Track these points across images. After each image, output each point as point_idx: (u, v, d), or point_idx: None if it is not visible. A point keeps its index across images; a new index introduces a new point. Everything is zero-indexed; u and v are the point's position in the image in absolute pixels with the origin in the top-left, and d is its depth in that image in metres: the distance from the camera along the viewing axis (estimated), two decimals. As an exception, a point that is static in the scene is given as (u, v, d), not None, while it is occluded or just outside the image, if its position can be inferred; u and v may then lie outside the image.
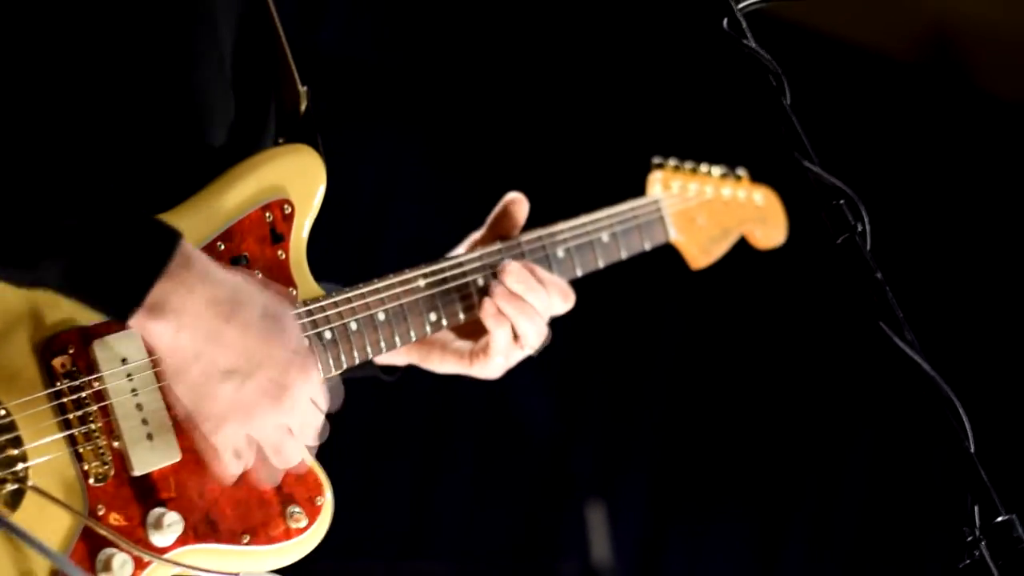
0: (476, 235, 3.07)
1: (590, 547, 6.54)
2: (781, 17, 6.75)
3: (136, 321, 2.23)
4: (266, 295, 2.36)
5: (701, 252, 3.27)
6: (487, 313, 2.84)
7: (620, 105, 7.38)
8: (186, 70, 2.49)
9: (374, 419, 6.77)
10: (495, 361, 2.92)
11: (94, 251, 2.21)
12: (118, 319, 2.23)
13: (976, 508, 2.21)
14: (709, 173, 3.30)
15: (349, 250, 6.47)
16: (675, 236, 3.19)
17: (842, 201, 2.38)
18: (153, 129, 2.46)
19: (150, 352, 2.34)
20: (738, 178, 3.36)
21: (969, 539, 2.22)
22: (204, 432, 2.33)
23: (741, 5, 2.45)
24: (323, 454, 6.78)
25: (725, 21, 2.44)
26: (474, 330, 2.93)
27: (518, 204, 3.02)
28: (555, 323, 3.18)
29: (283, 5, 6.17)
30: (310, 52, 6.58)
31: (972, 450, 2.24)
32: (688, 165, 3.28)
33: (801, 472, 7.74)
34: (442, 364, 2.98)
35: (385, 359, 3.00)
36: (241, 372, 2.28)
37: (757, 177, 3.46)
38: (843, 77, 7.40)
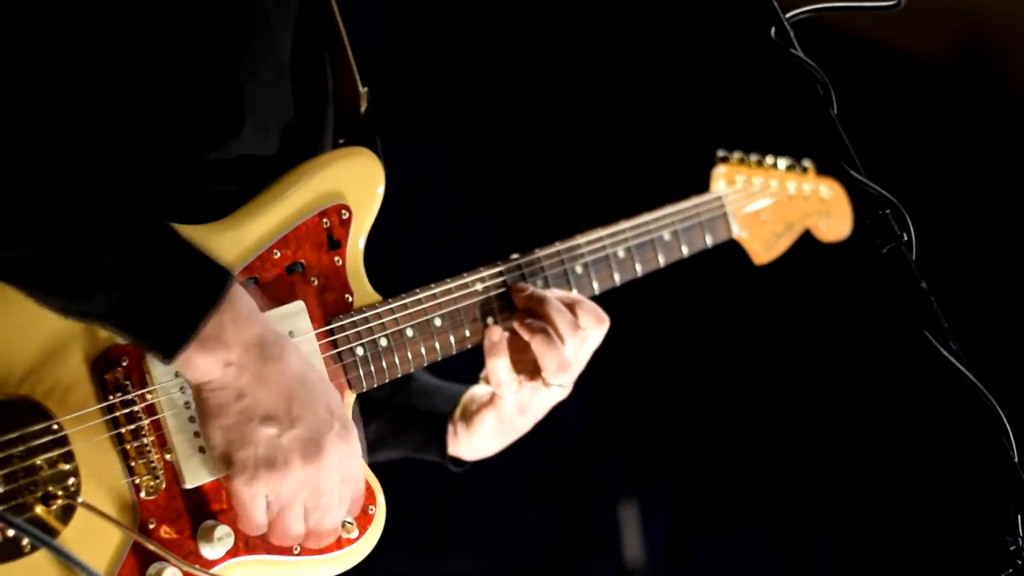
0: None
1: (623, 546, 6.54)
2: (815, 19, 6.74)
3: (185, 355, 2.19)
4: (305, 358, 2.32)
5: (765, 248, 3.24)
6: (486, 339, 2.77)
7: (661, 108, 7.38)
8: (240, 85, 2.46)
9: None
10: (507, 400, 2.87)
11: (145, 287, 2.17)
12: (165, 356, 2.19)
13: (1020, 517, 2.22)
14: (775, 166, 3.26)
15: (379, 249, 6.47)
16: (738, 233, 3.16)
17: (888, 211, 2.39)
18: (207, 144, 2.44)
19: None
20: (804, 170, 3.31)
21: (1012, 548, 2.22)
22: (234, 478, 2.28)
23: (789, 15, 2.46)
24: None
25: (773, 30, 2.45)
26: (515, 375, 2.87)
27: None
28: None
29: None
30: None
31: (1016, 460, 2.24)
32: (754, 157, 3.24)
33: (827, 475, 7.74)
34: (537, 411, 3.00)
35: (461, 452, 3.02)
36: (281, 421, 2.25)
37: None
38: (875, 79, 7.39)
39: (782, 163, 3.26)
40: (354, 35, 6.85)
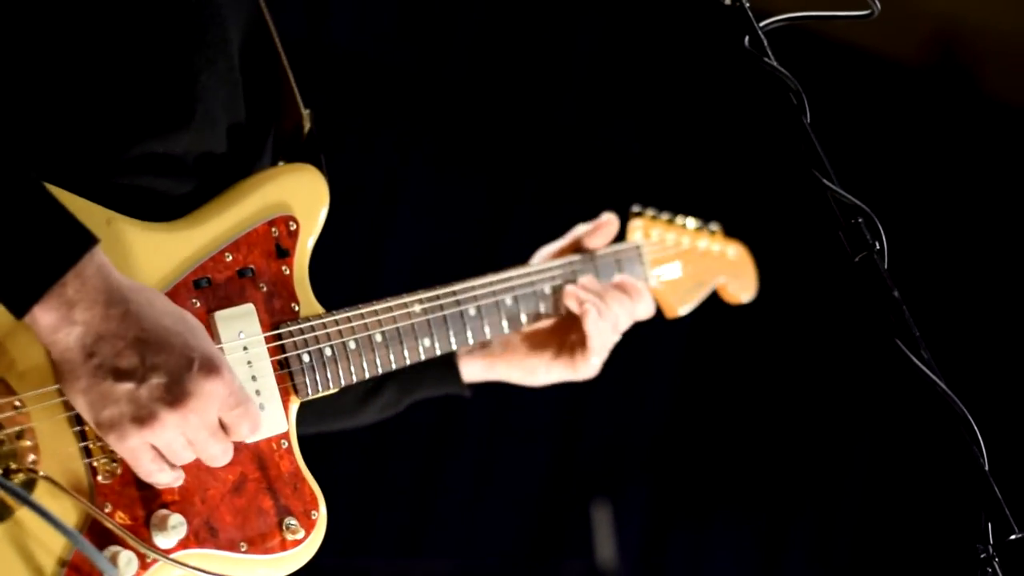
0: (550, 248, 3.15)
1: (595, 547, 6.56)
2: (788, 24, 6.75)
3: (29, 315, 2.18)
4: (167, 300, 2.32)
5: (678, 302, 3.32)
6: (581, 305, 2.97)
7: (636, 110, 7.40)
8: (196, 72, 2.49)
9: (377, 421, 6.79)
10: (594, 361, 3.04)
11: (8, 238, 2.17)
12: (15, 313, 2.18)
13: (989, 525, 2.23)
14: (684, 225, 3.34)
15: (354, 253, 6.48)
16: (654, 284, 3.23)
17: (860, 219, 2.40)
18: (157, 129, 2.46)
19: None
20: (712, 232, 3.40)
21: (983, 556, 2.24)
22: (107, 439, 2.26)
23: (763, 23, 2.47)
24: (327, 450, 6.82)
25: (747, 39, 2.46)
26: (550, 341, 3.04)
27: (611, 226, 3.15)
28: None
29: (290, 2, 6.19)
30: (317, 49, 6.62)
31: (986, 468, 2.26)
32: (665, 216, 3.32)
33: (803, 476, 7.77)
34: (548, 376, 3.09)
35: (473, 376, 3.07)
36: (136, 374, 2.22)
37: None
38: (849, 82, 7.42)
39: (691, 223, 3.35)
40: (330, 36, 6.87)
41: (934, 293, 7.22)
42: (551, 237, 3.27)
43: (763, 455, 7.72)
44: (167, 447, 2.28)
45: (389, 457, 6.89)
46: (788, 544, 7.74)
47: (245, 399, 2.34)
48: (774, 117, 2.44)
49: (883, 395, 7.64)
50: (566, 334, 3.04)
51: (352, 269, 6.40)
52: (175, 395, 2.24)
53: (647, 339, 7.43)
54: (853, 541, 7.82)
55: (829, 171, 2.40)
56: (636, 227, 3.26)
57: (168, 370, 2.24)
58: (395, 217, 6.79)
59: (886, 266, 2.39)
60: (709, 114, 7.35)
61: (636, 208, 3.29)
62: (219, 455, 2.34)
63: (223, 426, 2.33)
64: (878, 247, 2.39)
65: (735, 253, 3.44)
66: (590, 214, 3.27)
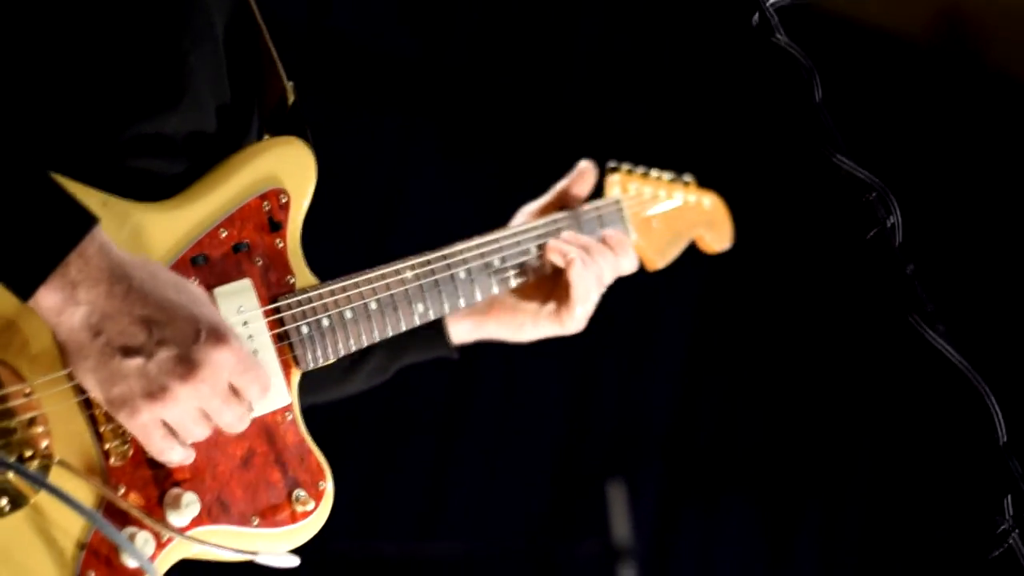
0: (533, 206, 3.17)
1: (610, 526, 6.56)
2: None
3: (34, 297, 2.19)
4: (173, 274, 2.33)
5: (657, 254, 3.32)
6: (564, 257, 2.98)
7: (645, 94, 7.39)
8: (184, 54, 2.51)
9: (390, 400, 6.79)
10: (578, 311, 3.03)
11: (9, 221, 2.18)
12: (20, 295, 2.18)
13: (1008, 499, 2.23)
14: (660, 178, 3.35)
15: (361, 237, 6.49)
16: (634, 238, 3.24)
17: (873, 195, 2.39)
18: (147, 110, 2.48)
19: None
20: (686, 184, 3.41)
21: (1000, 529, 2.24)
22: (118, 416, 2.27)
23: (771, 1, 2.46)
24: (339, 433, 6.81)
25: (755, 17, 2.45)
26: (536, 296, 3.06)
27: (589, 174, 3.16)
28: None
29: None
30: (321, 37, 6.61)
31: (1004, 441, 2.25)
32: (640, 170, 3.33)
33: (814, 457, 7.76)
34: (536, 331, 3.08)
35: (463, 337, 3.09)
36: (144, 349, 2.23)
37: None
38: (856, 59, 7.40)
39: (666, 175, 3.37)
40: (333, 23, 6.86)
41: (946, 268, 7.21)
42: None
43: (775, 435, 7.72)
44: (179, 421, 2.29)
45: (400, 439, 6.90)
46: (799, 524, 7.73)
47: (254, 363, 2.35)
48: (784, 94, 2.44)
49: (896, 375, 7.63)
50: (551, 289, 3.05)
51: (361, 255, 6.39)
52: (185, 367, 2.25)
53: (658, 317, 7.47)
54: (864, 521, 7.82)
55: (842, 147, 2.39)
56: (614, 182, 3.28)
57: (176, 342, 2.24)
58: (403, 202, 6.79)
59: (900, 241, 2.38)
60: (718, 94, 7.34)
61: (612, 163, 3.30)
62: (235, 421, 2.35)
63: (234, 391, 2.33)
64: (891, 222, 2.39)
65: (710, 203, 3.45)
66: (596, 195, 3.28)
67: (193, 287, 2.33)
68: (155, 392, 2.24)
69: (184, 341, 2.25)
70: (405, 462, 6.94)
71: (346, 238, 6.44)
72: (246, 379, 2.33)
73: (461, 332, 3.09)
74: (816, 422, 7.76)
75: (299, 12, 6.53)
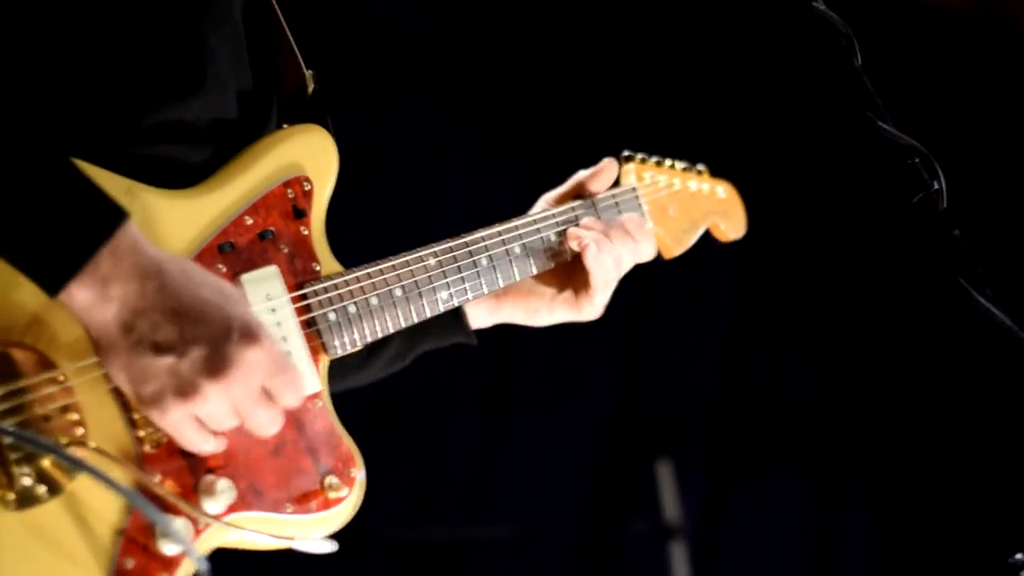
0: (553, 194, 3.15)
1: (660, 505, 6.56)
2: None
3: (65, 292, 2.17)
4: (205, 272, 2.31)
5: (674, 242, 3.30)
6: (583, 244, 2.95)
7: (683, 72, 7.37)
8: (204, 36, 2.50)
9: (434, 385, 6.80)
10: (597, 298, 3.00)
11: (36, 218, 2.16)
12: (49, 291, 2.17)
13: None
14: (673, 166, 3.34)
15: (399, 221, 6.49)
16: (651, 226, 3.23)
17: (917, 160, 2.38)
18: (171, 95, 2.47)
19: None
20: (699, 172, 3.40)
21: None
22: (149, 415, 2.26)
23: (810, -31, 2.45)
24: (385, 421, 6.81)
25: (794, -17, 2.44)
26: (553, 282, 3.03)
27: (611, 170, 3.13)
28: (619, 282, 3.25)
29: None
30: (362, 21, 6.62)
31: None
32: (654, 158, 3.32)
33: (861, 428, 7.73)
34: (551, 316, 3.05)
35: (480, 322, 3.06)
36: (176, 348, 2.21)
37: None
38: (892, 28, 7.35)
39: (680, 164, 3.36)
40: (368, 6, 6.85)
41: (991, 233, 7.16)
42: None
43: (822, 407, 7.69)
44: (209, 418, 2.28)
45: (446, 424, 6.91)
46: (848, 496, 7.71)
47: (287, 365, 2.33)
48: (825, 61, 2.42)
49: (944, 340, 7.59)
50: (569, 275, 3.02)
51: (397, 238, 6.40)
52: (216, 366, 2.22)
53: (700, 291, 7.46)
54: (912, 493, 7.78)
55: (884, 113, 2.38)
56: (629, 170, 3.26)
57: (208, 341, 2.22)
58: (438, 185, 6.80)
59: (945, 206, 2.37)
60: (757, 66, 7.31)
61: (627, 152, 3.27)
62: (266, 423, 2.33)
63: (267, 393, 2.32)
64: (936, 187, 2.37)
65: (724, 192, 3.43)
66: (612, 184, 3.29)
67: (226, 285, 2.31)
68: (186, 391, 2.22)
69: (216, 340, 2.23)
70: (452, 447, 6.95)
71: (382, 222, 6.45)
72: (278, 382, 2.31)
73: (477, 317, 3.06)
74: (863, 391, 7.72)
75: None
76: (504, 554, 7.12)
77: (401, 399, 6.75)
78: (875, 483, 7.74)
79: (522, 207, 3.12)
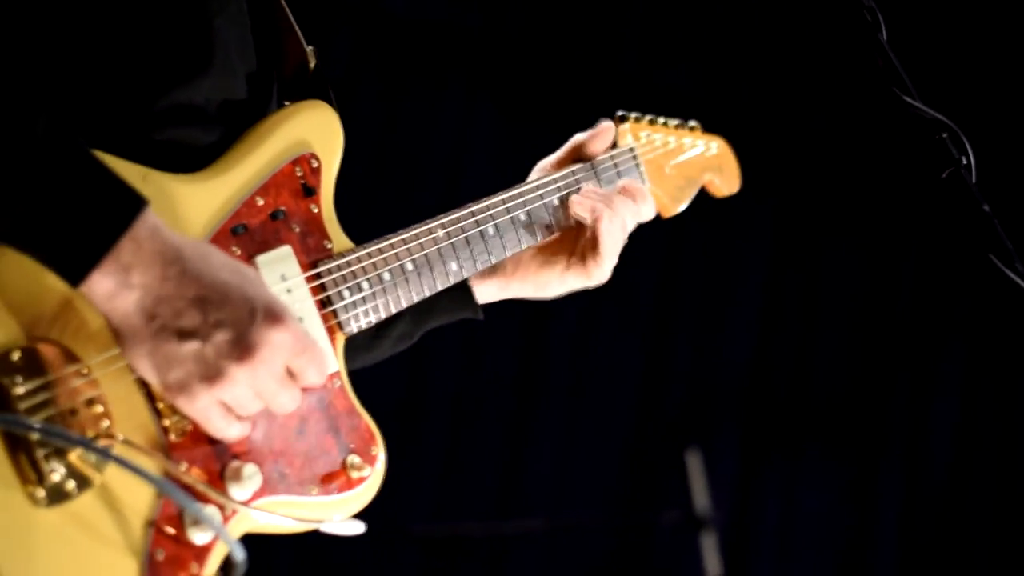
0: (550, 159, 3.17)
1: (691, 495, 6.54)
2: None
3: (87, 281, 2.17)
4: (224, 254, 2.30)
5: (672, 201, 3.31)
6: (590, 212, 2.96)
7: (703, 56, 7.35)
8: (210, 16, 2.50)
9: (463, 378, 6.80)
10: (607, 263, 3.00)
11: (55, 207, 2.15)
12: (71, 281, 2.16)
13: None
14: (667, 124, 3.35)
15: (424, 209, 6.47)
16: (649, 186, 3.23)
17: (945, 135, 2.36)
18: (179, 77, 2.46)
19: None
20: (692, 129, 3.40)
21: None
22: (175, 401, 2.25)
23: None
24: (415, 416, 6.81)
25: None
26: (560, 251, 3.04)
27: (608, 133, 3.16)
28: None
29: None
30: (381, 11, 6.61)
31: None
32: (648, 117, 3.32)
33: (892, 415, 7.70)
34: (562, 286, 3.06)
35: (488, 297, 3.06)
36: (200, 332, 2.21)
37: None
38: (917, 3, 7.31)
39: (672, 121, 3.36)
40: (389, 4, 6.81)
41: (1021, 207, 7.12)
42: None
43: (852, 395, 7.66)
44: (236, 401, 2.27)
45: (475, 416, 6.90)
46: (880, 485, 7.67)
47: (311, 343, 2.33)
48: (850, 37, 2.40)
49: (975, 321, 7.55)
50: (574, 243, 3.02)
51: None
52: (242, 349, 2.22)
53: (728, 282, 7.44)
54: (946, 479, 7.75)
55: (910, 87, 2.36)
56: (625, 130, 3.26)
57: (232, 324, 2.22)
58: (462, 172, 6.79)
59: (974, 180, 2.35)
60: (781, 44, 7.28)
61: (621, 112, 3.28)
62: (288, 403, 2.33)
63: (290, 373, 2.32)
64: (965, 162, 2.35)
65: (718, 147, 3.44)
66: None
67: (245, 268, 2.31)
68: (212, 375, 2.22)
69: (240, 323, 2.23)
70: (482, 440, 6.95)
71: (406, 208, 6.44)
72: (302, 361, 2.31)
73: (486, 293, 3.06)
74: (894, 375, 7.69)
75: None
76: (534, 547, 7.11)
77: (430, 392, 6.75)
78: (908, 470, 7.70)
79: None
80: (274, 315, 2.25)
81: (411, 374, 6.57)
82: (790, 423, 7.57)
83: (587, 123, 3.11)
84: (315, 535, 2.54)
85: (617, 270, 3.05)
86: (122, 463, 2.19)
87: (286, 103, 2.68)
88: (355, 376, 2.79)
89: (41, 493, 2.16)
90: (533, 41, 7.04)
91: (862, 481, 7.65)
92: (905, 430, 7.70)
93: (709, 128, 3.42)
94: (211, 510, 2.31)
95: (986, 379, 7.68)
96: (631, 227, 3.05)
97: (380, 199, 6.37)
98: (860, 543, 7.63)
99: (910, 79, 2.40)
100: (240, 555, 2.27)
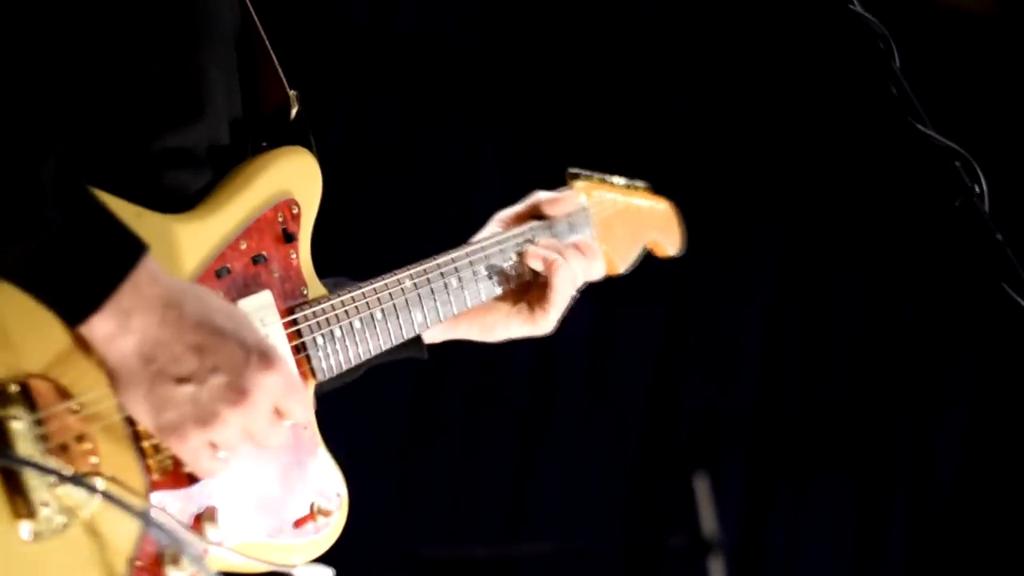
0: (507, 213, 3.25)
1: (699, 519, 6.54)
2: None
3: (86, 324, 2.21)
4: (218, 297, 2.36)
5: (620, 260, 3.37)
6: (543, 261, 3.05)
7: (714, 78, 7.36)
8: (203, 67, 2.54)
9: (470, 403, 6.80)
10: (553, 313, 3.09)
11: (60, 248, 2.18)
12: (71, 322, 2.21)
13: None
14: (615, 184, 3.41)
15: (434, 231, 6.49)
16: (599, 245, 3.29)
17: (958, 163, 2.36)
18: (171, 123, 2.50)
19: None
20: (638, 189, 3.47)
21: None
22: (168, 446, 2.30)
23: (845, -28, 2.43)
24: (422, 441, 6.80)
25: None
26: (507, 298, 3.11)
27: (571, 200, 3.26)
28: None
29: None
30: (388, 34, 6.63)
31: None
32: (598, 175, 3.39)
33: (898, 435, 7.70)
34: (507, 331, 3.14)
35: (434, 337, 3.12)
36: (197, 375, 2.26)
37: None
38: (925, 32, 7.34)
39: (620, 180, 3.43)
40: (399, 21, 6.84)
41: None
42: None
43: (861, 418, 7.66)
44: (227, 443, 2.31)
45: (484, 441, 6.91)
46: (890, 509, 7.67)
47: (298, 384, 2.39)
48: (862, 64, 2.41)
49: (985, 347, 7.55)
50: (523, 292, 3.10)
51: (436, 243, 6.41)
52: (236, 392, 2.27)
53: (737, 303, 7.44)
54: (955, 500, 7.74)
55: (923, 116, 2.37)
56: (578, 189, 3.33)
57: (227, 369, 2.27)
58: (472, 198, 6.80)
59: (987, 209, 2.35)
60: (791, 69, 7.29)
61: (573, 170, 3.36)
62: (276, 440, 2.38)
63: (277, 412, 2.36)
64: (978, 190, 2.36)
65: (663, 209, 3.50)
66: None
67: (237, 310, 2.36)
68: (206, 418, 2.26)
69: (235, 367, 2.28)
70: (490, 461, 6.95)
71: (416, 234, 6.46)
72: (290, 401, 2.36)
73: (433, 333, 3.12)
74: (903, 399, 7.69)
75: (363, 13, 6.56)
76: (542, 569, 7.10)
77: (439, 415, 6.76)
78: (916, 491, 7.69)
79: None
80: (266, 358, 2.31)
81: (419, 397, 6.57)
82: (798, 446, 7.56)
83: (595, 144, 3.15)
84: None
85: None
86: (113, 500, 2.22)
87: (263, 143, 2.73)
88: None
89: (32, 527, 2.18)
90: (541, 62, 7.05)
91: (870, 504, 7.64)
92: (913, 451, 7.71)
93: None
94: (193, 544, 2.35)
95: (994, 397, 7.68)
96: (580, 282, 3.13)
97: (389, 218, 6.39)
98: (868, 566, 7.62)
99: (923, 107, 2.40)
100: None
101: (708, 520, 6.50)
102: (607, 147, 6.93)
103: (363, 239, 6.29)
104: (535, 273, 3.08)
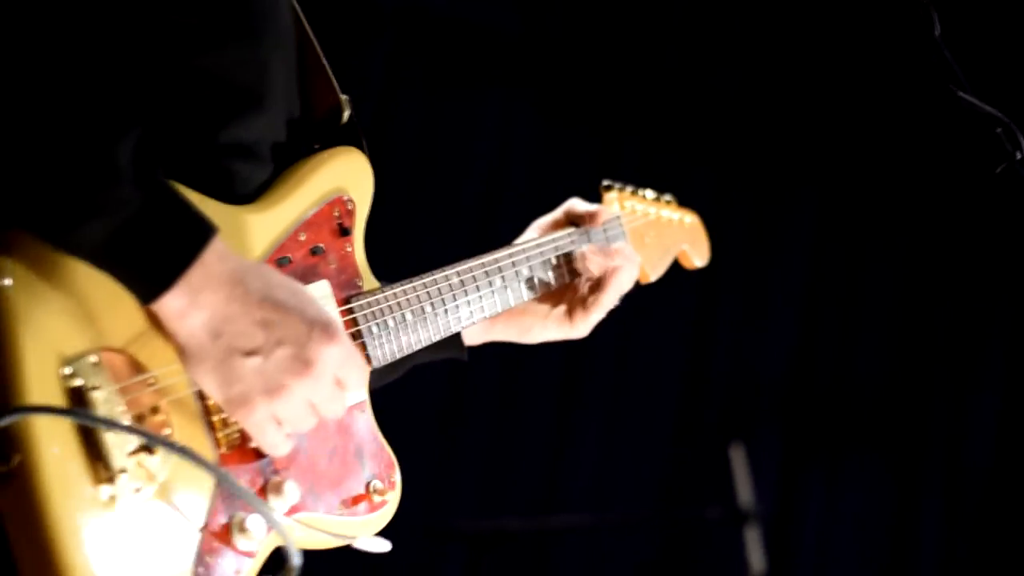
0: (545, 220, 3.31)
1: (735, 490, 6.55)
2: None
3: (158, 301, 2.29)
4: (280, 275, 2.44)
5: (651, 268, 3.45)
6: (600, 266, 3.14)
7: (754, 56, 7.34)
8: (266, 58, 2.62)
9: (506, 377, 6.82)
10: (594, 318, 3.18)
11: (138, 227, 2.27)
12: (144, 299, 2.30)
13: None
14: (646, 196, 3.52)
15: (467, 213, 6.51)
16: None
17: (1000, 130, 2.36)
18: (235, 112, 2.59)
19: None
20: (668, 202, 3.57)
21: None
22: (236, 418, 2.40)
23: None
24: (458, 416, 6.82)
25: (869, -44, 2.42)
26: (546, 300, 3.19)
27: (601, 217, 3.32)
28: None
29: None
30: (422, 15, 6.63)
31: None
32: (630, 188, 3.48)
33: (936, 408, 7.69)
34: (543, 334, 3.24)
35: (472, 339, 3.21)
36: (263, 349, 2.36)
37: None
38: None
39: (650, 193, 3.53)
40: (434, 3, 6.83)
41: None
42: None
43: (897, 389, 7.66)
44: (292, 415, 2.40)
45: (520, 415, 6.93)
46: (924, 479, 7.66)
47: (355, 354, 2.48)
48: (903, 33, 2.41)
49: (1017, 322, 7.54)
50: (561, 295, 3.20)
51: (468, 225, 6.44)
52: (301, 364, 2.37)
53: (770, 277, 7.43)
54: (989, 476, 7.73)
55: (964, 83, 2.37)
56: (611, 199, 3.43)
57: (291, 341, 2.36)
58: (506, 178, 6.81)
59: (1029, 173, 2.35)
60: (834, 42, 7.27)
61: (607, 182, 3.45)
62: (338, 409, 2.48)
63: (338, 382, 2.45)
64: (1019, 156, 2.36)
65: (691, 221, 3.61)
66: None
67: (299, 286, 2.45)
68: (272, 389, 2.36)
69: (298, 340, 2.37)
70: (526, 435, 6.97)
71: (452, 215, 6.47)
72: (348, 369, 2.45)
73: (471, 335, 3.21)
74: (939, 371, 7.68)
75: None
76: (579, 542, 7.13)
77: (475, 390, 6.78)
78: (950, 466, 7.69)
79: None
80: (328, 331, 2.40)
81: (455, 372, 6.59)
82: (832, 420, 7.57)
83: (628, 126, 3.18)
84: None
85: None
86: (194, 458, 2.29)
87: (316, 146, 2.81)
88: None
89: (111, 491, 2.25)
90: (574, 43, 7.05)
91: (904, 477, 7.64)
92: (947, 426, 7.70)
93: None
94: (256, 518, 2.41)
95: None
96: (627, 290, 3.21)
97: (422, 202, 6.40)
98: (903, 539, 7.63)
99: (964, 74, 2.41)
100: (297, 560, 2.35)
101: (744, 491, 6.51)
102: (641, 128, 6.93)
103: (393, 223, 6.31)
104: (573, 277, 3.18)
